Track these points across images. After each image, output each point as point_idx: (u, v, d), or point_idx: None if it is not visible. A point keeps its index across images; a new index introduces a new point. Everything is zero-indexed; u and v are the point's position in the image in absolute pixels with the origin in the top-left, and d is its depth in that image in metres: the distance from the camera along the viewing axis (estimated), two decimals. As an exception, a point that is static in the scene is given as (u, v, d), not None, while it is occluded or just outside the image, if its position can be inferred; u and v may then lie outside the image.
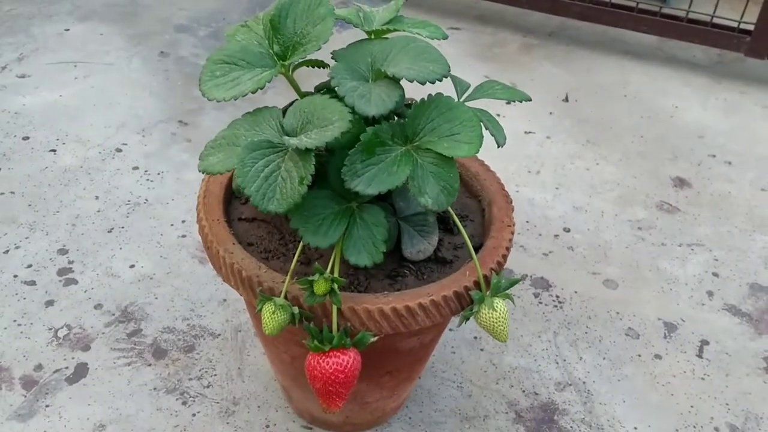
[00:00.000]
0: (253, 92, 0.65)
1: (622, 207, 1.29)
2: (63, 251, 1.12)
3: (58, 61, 1.55)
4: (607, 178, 1.36)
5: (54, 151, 1.31)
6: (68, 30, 1.66)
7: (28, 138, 1.33)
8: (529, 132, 1.46)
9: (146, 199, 1.22)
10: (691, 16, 1.67)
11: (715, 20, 1.66)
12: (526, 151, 1.40)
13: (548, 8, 1.75)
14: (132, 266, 1.10)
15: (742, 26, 1.64)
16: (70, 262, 1.10)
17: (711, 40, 1.67)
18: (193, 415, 0.91)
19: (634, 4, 1.70)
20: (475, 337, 1.03)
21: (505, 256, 0.75)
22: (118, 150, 1.33)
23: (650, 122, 1.52)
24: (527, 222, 1.24)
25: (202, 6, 1.81)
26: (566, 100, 1.56)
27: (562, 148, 1.42)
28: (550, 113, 1.52)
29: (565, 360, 1.02)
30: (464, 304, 0.71)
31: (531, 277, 1.14)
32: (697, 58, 1.76)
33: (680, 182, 1.36)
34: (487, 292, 0.70)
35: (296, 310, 0.66)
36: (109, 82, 1.51)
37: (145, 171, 1.28)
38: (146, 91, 1.49)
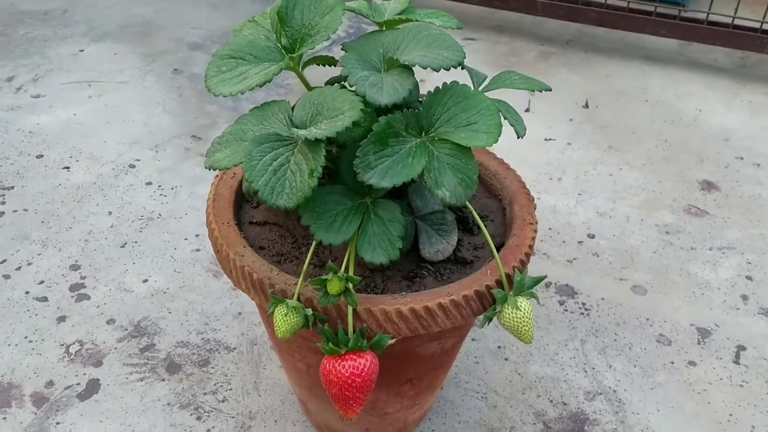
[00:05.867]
0: (260, 86, 0.63)
1: (648, 212, 1.25)
2: (75, 267, 1.09)
3: (72, 81, 1.55)
4: (631, 183, 1.32)
5: (67, 168, 1.30)
6: (83, 51, 1.66)
7: (41, 156, 1.32)
8: (550, 139, 1.42)
9: (160, 214, 1.20)
10: (712, 18, 1.64)
11: (737, 22, 1.62)
12: (546, 158, 1.37)
13: (564, 15, 1.72)
14: (145, 281, 1.08)
15: (765, 27, 1.61)
16: (83, 278, 1.08)
17: (733, 42, 1.63)
18: (208, 430, 0.88)
19: (652, 8, 1.66)
20: (499, 347, 0.99)
21: (528, 255, 0.71)
22: (132, 166, 1.31)
23: (674, 126, 1.48)
24: (550, 229, 1.20)
25: (215, 24, 1.81)
26: (586, 106, 1.53)
27: (583, 154, 1.39)
28: (570, 120, 1.49)
29: (594, 368, 0.97)
30: (486, 304, 0.67)
31: (555, 284, 1.10)
32: (719, 61, 1.72)
33: (708, 185, 1.32)
34: (510, 292, 0.67)
35: (309, 312, 0.63)
36: (123, 100, 1.50)
37: (159, 186, 1.27)
38: (159, 107, 1.48)
